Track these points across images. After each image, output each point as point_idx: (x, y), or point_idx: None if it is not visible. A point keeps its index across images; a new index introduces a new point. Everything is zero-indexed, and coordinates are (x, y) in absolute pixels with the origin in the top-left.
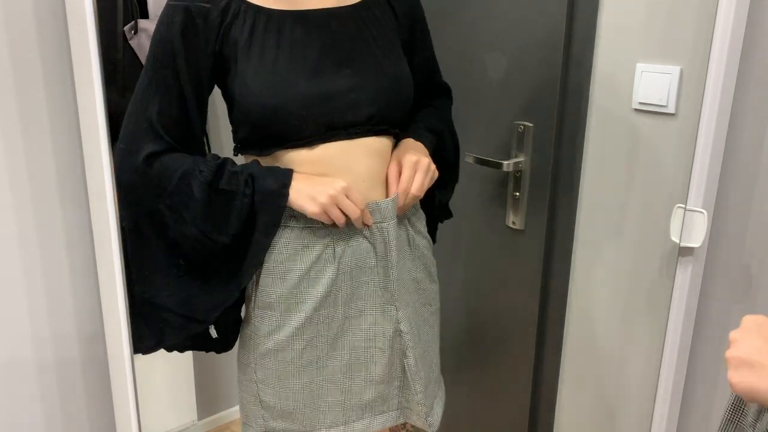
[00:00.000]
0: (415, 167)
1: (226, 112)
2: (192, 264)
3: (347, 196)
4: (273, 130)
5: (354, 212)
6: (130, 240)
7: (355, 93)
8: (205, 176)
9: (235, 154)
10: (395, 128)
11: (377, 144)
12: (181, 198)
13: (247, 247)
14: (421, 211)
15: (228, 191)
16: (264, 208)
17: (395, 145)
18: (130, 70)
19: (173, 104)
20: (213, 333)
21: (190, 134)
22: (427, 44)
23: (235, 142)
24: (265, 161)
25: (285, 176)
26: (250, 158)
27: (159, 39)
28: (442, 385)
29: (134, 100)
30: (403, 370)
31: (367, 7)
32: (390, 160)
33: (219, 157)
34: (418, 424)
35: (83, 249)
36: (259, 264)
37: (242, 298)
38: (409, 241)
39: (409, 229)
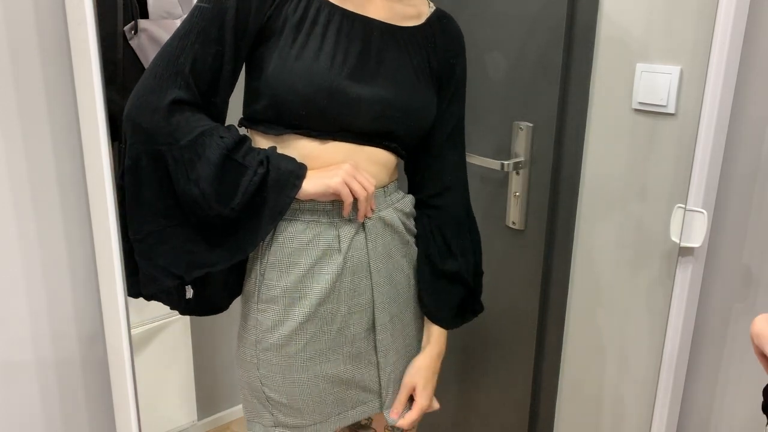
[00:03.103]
0: (423, 411)
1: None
2: (185, 217)
3: (356, 177)
4: (290, 112)
5: (369, 186)
6: (128, 179)
7: (379, 107)
8: (226, 142)
9: (239, 126)
10: (404, 150)
11: (382, 156)
12: (192, 156)
13: (248, 226)
14: (411, 207)
15: (241, 164)
16: (275, 191)
17: (407, 163)
18: (130, 70)
19: (209, 59)
20: (188, 293)
21: (215, 99)
22: (454, 109)
23: (244, 114)
24: (271, 141)
25: (300, 167)
26: (255, 135)
27: None
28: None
29: (168, 45)
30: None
31: (414, 33)
32: (412, 377)
33: (239, 132)
34: (389, 420)
35: (83, 249)
36: (256, 244)
37: (232, 268)
38: (401, 238)
39: (402, 223)
